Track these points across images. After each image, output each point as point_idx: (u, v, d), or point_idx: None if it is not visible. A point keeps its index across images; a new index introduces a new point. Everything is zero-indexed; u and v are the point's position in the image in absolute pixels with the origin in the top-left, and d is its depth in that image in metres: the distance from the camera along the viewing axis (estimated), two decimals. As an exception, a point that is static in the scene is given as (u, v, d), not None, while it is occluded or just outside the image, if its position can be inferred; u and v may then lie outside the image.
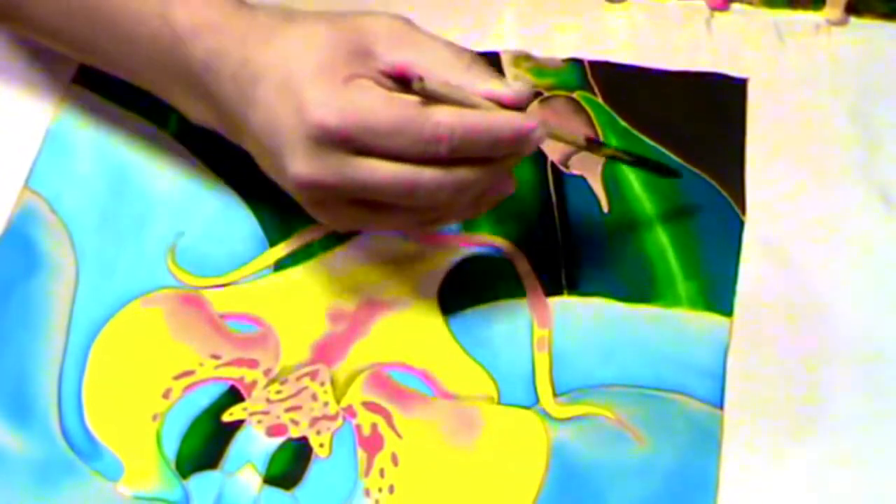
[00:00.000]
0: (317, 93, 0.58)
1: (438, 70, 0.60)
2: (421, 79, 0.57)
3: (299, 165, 0.59)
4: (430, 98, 0.58)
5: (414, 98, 0.58)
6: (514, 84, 0.61)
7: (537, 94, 0.74)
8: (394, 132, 0.58)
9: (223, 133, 0.65)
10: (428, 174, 0.59)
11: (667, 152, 0.72)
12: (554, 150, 0.72)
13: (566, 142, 0.67)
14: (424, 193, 0.59)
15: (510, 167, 0.62)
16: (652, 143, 0.73)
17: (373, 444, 0.64)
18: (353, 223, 0.65)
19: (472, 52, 0.62)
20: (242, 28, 0.62)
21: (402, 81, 0.59)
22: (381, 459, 0.63)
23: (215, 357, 0.66)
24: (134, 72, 0.67)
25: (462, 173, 0.59)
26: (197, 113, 0.65)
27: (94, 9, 0.65)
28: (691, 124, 0.74)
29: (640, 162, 0.70)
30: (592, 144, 0.67)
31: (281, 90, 0.59)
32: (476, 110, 0.59)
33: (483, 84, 0.60)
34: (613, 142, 0.73)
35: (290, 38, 0.60)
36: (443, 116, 0.58)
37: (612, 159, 0.70)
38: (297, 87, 0.59)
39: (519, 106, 0.60)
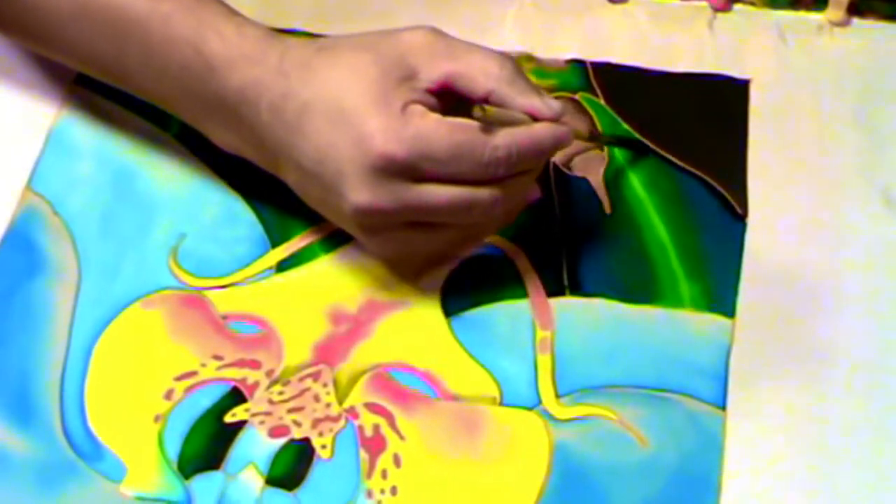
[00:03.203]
0: (378, 124, 0.60)
1: (481, 80, 0.61)
2: (482, 108, 0.60)
3: (360, 194, 0.60)
4: (487, 121, 0.60)
5: (469, 122, 0.61)
6: (549, 101, 0.62)
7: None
8: (455, 158, 0.60)
9: (253, 161, 0.66)
10: (486, 193, 0.61)
11: (668, 154, 0.72)
12: (556, 152, 0.73)
13: (577, 137, 0.69)
14: (480, 211, 0.61)
15: (537, 174, 0.64)
16: (653, 144, 0.73)
17: (375, 445, 0.64)
18: (404, 246, 0.65)
19: (511, 59, 0.63)
20: (277, 59, 0.63)
21: (447, 94, 0.62)
22: (384, 461, 0.63)
23: (217, 358, 0.66)
24: (164, 99, 0.67)
25: (511, 187, 0.62)
26: (227, 141, 0.66)
27: (125, 35, 0.65)
28: (693, 125, 0.74)
29: (625, 143, 0.72)
30: (594, 136, 0.70)
31: (334, 121, 0.60)
32: (522, 127, 0.61)
33: (524, 99, 0.62)
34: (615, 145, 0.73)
35: (335, 68, 0.61)
36: (500, 140, 0.60)
37: (609, 145, 0.72)
38: (355, 119, 0.60)
39: (553, 120, 0.62)
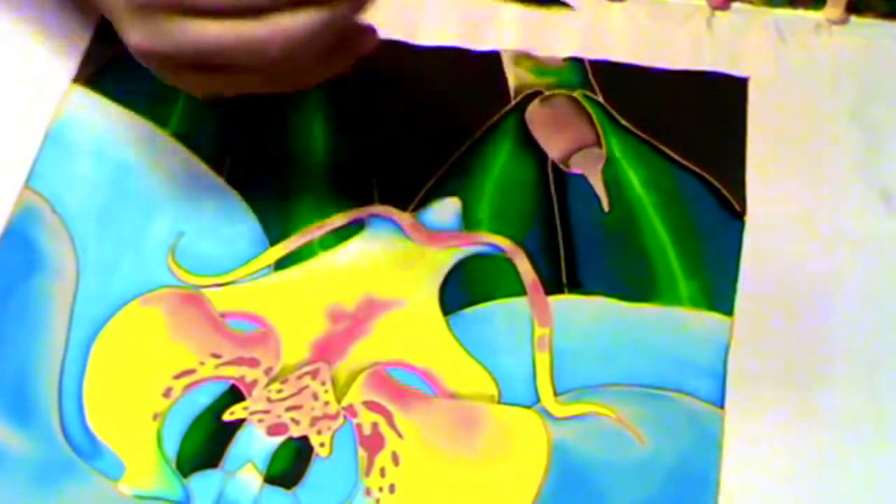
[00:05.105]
0: None
1: None
2: None
3: (133, 36, 0.60)
4: None
5: None
6: None
7: (538, 93, 0.75)
8: None
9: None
10: (260, 27, 0.57)
11: (667, 151, 0.72)
12: (554, 149, 0.72)
13: None
14: (258, 47, 0.57)
15: (353, 16, 0.60)
16: (652, 141, 0.73)
17: (373, 443, 0.64)
18: (207, 88, 0.63)
19: None
20: None
21: None
22: (382, 459, 0.63)
23: (216, 356, 0.66)
24: None
25: (287, 21, 0.57)
26: None
27: None
28: (692, 123, 0.74)
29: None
30: None
31: None
32: None
33: None
34: (613, 141, 0.73)
35: None
36: None
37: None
38: None
39: None
